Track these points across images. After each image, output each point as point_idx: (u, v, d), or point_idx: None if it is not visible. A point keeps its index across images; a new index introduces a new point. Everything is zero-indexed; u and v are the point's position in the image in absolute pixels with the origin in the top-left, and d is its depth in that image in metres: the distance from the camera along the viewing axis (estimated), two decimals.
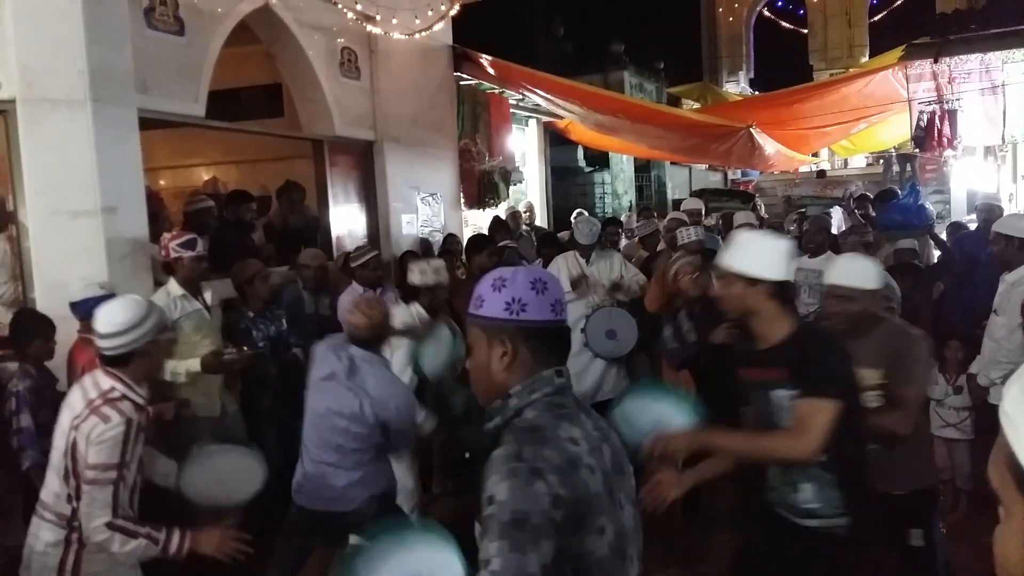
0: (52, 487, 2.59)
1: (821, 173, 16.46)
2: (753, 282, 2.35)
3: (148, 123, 4.67)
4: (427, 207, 7.72)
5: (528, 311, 1.52)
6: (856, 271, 2.93)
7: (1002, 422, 0.78)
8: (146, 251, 4.40)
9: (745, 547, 2.71)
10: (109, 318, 2.57)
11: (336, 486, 3.23)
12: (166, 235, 4.30)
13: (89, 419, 2.46)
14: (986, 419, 4.66)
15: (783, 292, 2.40)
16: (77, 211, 4.09)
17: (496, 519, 1.33)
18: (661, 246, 6.74)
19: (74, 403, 2.57)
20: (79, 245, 4.10)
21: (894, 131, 10.54)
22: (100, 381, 2.56)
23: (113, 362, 2.57)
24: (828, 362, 2.34)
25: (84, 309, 3.79)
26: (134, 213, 4.34)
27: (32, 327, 3.76)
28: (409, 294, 4.74)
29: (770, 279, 2.35)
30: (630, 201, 14.45)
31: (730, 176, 17.39)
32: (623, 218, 9.62)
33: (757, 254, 2.39)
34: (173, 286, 4.16)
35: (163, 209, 5.41)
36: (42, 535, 2.58)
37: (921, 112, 8.56)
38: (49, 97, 4.05)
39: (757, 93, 18.51)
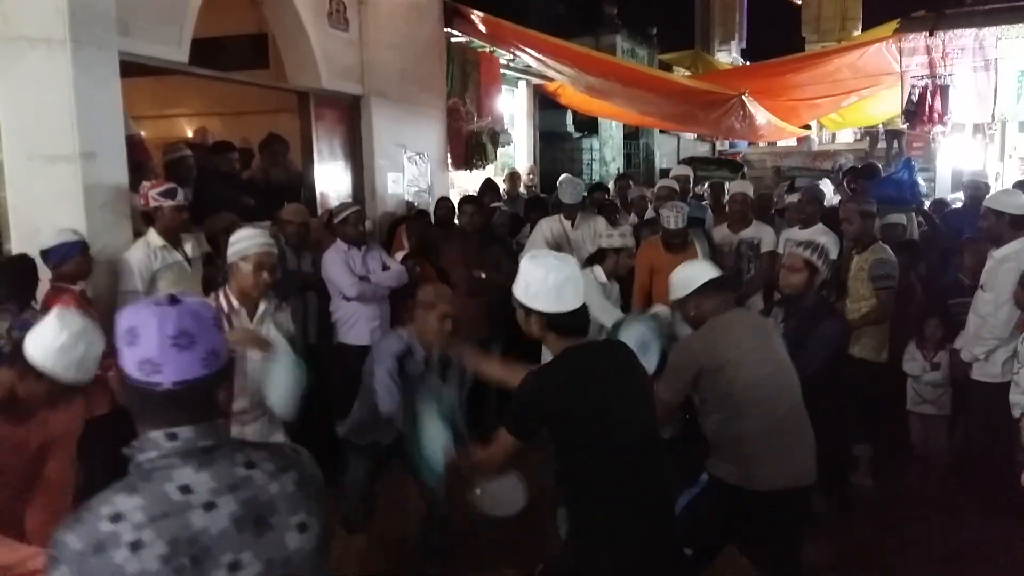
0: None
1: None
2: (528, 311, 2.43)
3: (130, 70, 4.54)
4: (414, 166, 7.61)
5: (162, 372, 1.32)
6: (678, 282, 3.10)
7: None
8: (126, 199, 4.28)
9: None
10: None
11: None
12: (146, 184, 4.20)
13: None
14: (963, 395, 4.71)
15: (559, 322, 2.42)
16: (54, 155, 3.96)
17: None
18: (649, 213, 6.72)
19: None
20: (56, 191, 3.98)
21: (883, 106, 10.50)
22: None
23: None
24: (516, 394, 2.49)
25: (57, 256, 3.70)
26: (114, 160, 4.22)
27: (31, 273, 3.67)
28: (594, 257, 4.80)
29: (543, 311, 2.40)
30: (618, 168, 14.37)
31: (718, 146, 17.33)
32: (609, 185, 9.55)
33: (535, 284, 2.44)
34: (153, 236, 4.08)
35: (148, 159, 5.28)
36: None
37: (913, 86, 8.52)
38: (26, 35, 3.90)
39: (748, 63, 18.39)
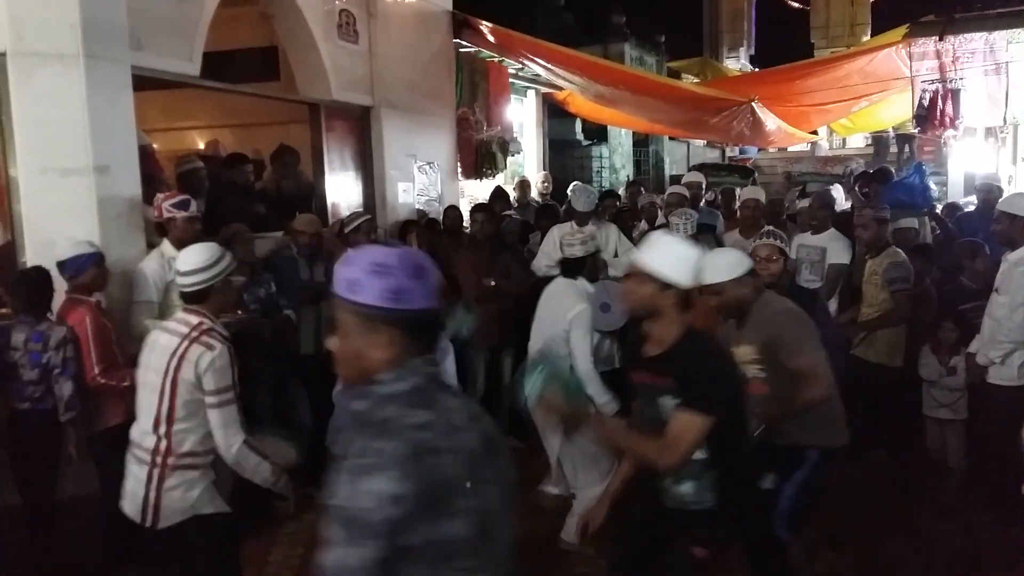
0: (141, 424, 2.75)
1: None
2: (665, 286, 2.41)
3: (142, 83, 4.58)
4: (424, 176, 7.64)
5: (408, 299, 1.47)
6: (718, 266, 3.07)
7: None
8: (139, 211, 4.33)
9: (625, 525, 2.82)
10: (187, 258, 2.79)
11: None
12: (159, 195, 4.24)
13: (192, 348, 2.66)
14: (980, 400, 4.67)
15: (687, 299, 2.47)
16: (69, 169, 4.01)
17: (334, 512, 1.38)
18: (660, 220, 6.71)
19: (164, 342, 2.73)
20: (71, 204, 4.03)
21: (894, 111, 10.46)
22: (187, 318, 2.76)
23: (191, 299, 2.79)
24: (708, 374, 2.42)
25: (72, 267, 3.74)
26: (127, 172, 4.27)
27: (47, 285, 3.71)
28: (571, 270, 4.26)
29: (680, 285, 2.42)
30: (628, 176, 14.36)
31: (728, 152, 17.30)
32: (620, 192, 9.54)
33: (673, 258, 2.45)
34: (167, 247, 4.11)
35: (160, 172, 5.33)
36: (132, 469, 2.74)
37: (924, 91, 8.48)
38: (40, 51, 3.95)
39: (757, 70, 18.37)
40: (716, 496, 2.48)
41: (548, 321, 4.14)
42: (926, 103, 8.43)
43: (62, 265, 3.73)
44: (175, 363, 2.66)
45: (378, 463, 1.37)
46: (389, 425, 1.43)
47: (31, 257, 4.03)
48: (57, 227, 3.97)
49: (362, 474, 1.37)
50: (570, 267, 4.22)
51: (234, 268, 2.93)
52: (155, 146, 5.62)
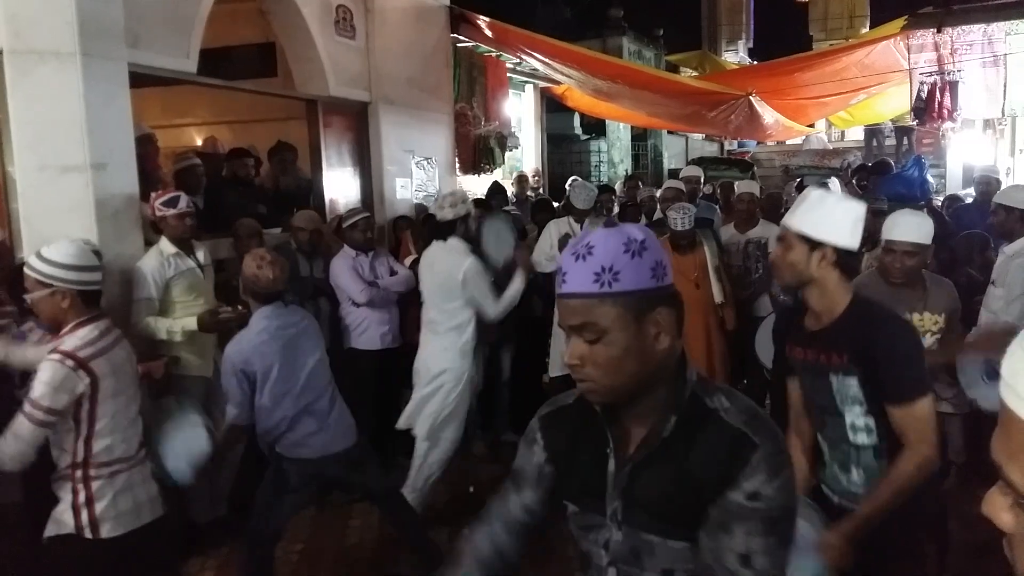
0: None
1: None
2: (816, 245, 2.15)
3: (139, 80, 4.58)
4: (422, 171, 7.64)
5: (667, 273, 1.32)
6: (917, 227, 3.07)
7: (1002, 393, 0.73)
8: (136, 209, 4.32)
9: None
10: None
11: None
12: (153, 194, 4.25)
13: None
14: None
15: (849, 262, 2.20)
16: (66, 167, 4.01)
17: (764, 516, 1.24)
18: (658, 214, 6.71)
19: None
20: (68, 202, 4.02)
21: (892, 103, 10.46)
22: None
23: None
24: (908, 355, 2.15)
25: None
26: (124, 170, 4.26)
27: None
28: (443, 232, 4.39)
29: (838, 245, 2.15)
30: (626, 170, 14.36)
31: (726, 146, 17.30)
32: (616, 187, 9.55)
33: (828, 216, 2.16)
34: (165, 244, 4.13)
35: (157, 168, 5.34)
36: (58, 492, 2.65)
37: (922, 83, 8.48)
38: (37, 49, 3.94)
39: (755, 63, 18.34)
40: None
41: (435, 285, 4.35)
42: (924, 95, 8.43)
43: None
44: None
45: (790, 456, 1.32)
46: (761, 415, 1.33)
47: (28, 255, 4.02)
48: (54, 225, 3.96)
49: (789, 470, 1.30)
50: (442, 229, 4.37)
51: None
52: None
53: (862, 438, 2.28)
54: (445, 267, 4.27)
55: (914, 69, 8.54)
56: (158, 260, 4.08)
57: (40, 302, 2.66)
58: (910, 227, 3.11)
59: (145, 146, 5.11)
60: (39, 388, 2.49)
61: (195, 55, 4.98)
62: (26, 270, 2.68)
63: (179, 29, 4.85)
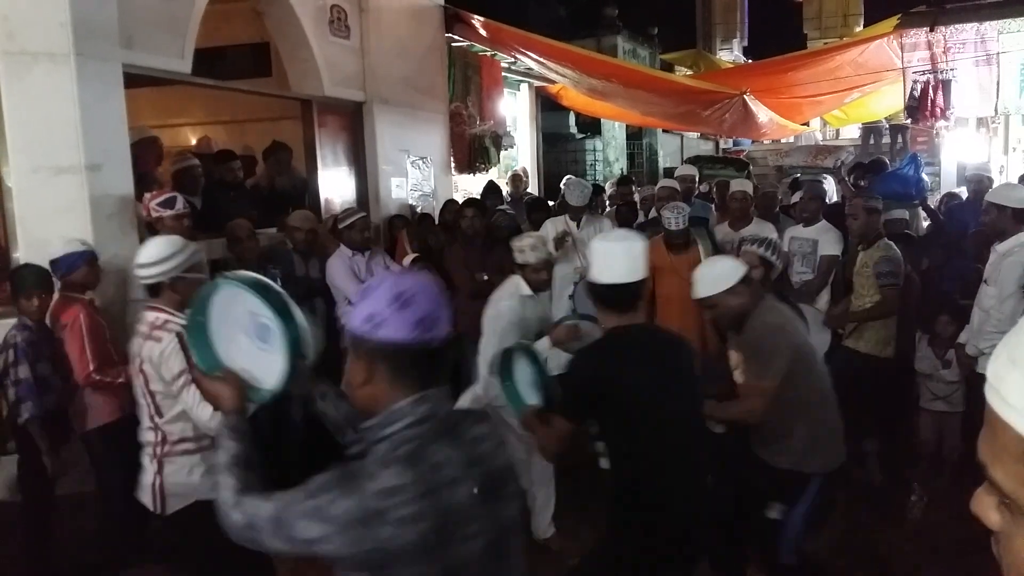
0: (142, 422, 2.84)
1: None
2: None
3: (133, 80, 4.58)
4: (417, 171, 7.64)
5: (385, 328, 1.37)
6: (708, 280, 3.04)
7: (987, 395, 0.76)
8: (131, 209, 4.33)
9: None
10: (143, 251, 2.85)
11: None
12: (147, 195, 4.24)
13: (146, 345, 2.75)
14: (975, 391, 4.70)
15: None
16: (61, 168, 4.01)
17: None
18: (653, 213, 6.72)
19: (135, 344, 2.82)
20: (63, 202, 4.03)
21: (887, 101, 10.46)
22: (146, 315, 2.82)
23: (149, 292, 2.84)
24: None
25: (65, 265, 3.74)
26: (119, 170, 4.27)
27: (33, 281, 3.66)
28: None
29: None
30: (621, 169, 14.37)
31: (722, 145, 17.31)
32: (607, 187, 9.54)
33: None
34: None
35: (154, 169, 5.33)
36: (143, 463, 2.84)
37: (915, 82, 8.50)
38: (30, 50, 3.95)
39: (750, 61, 18.37)
40: None
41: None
42: (917, 94, 8.45)
43: (55, 263, 3.73)
44: (138, 362, 2.78)
45: (326, 517, 1.30)
46: (355, 481, 1.32)
47: (24, 255, 4.03)
48: (50, 226, 3.97)
49: (309, 518, 1.30)
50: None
51: (196, 263, 2.89)
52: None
53: None
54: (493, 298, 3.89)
55: (907, 67, 8.55)
56: None
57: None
58: (703, 282, 3.05)
59: (149, 148, 5.11)
60: (177, 358, 2.68)
61: (189, 55, 4.98)
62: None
63: (173, 29, 4.85)
